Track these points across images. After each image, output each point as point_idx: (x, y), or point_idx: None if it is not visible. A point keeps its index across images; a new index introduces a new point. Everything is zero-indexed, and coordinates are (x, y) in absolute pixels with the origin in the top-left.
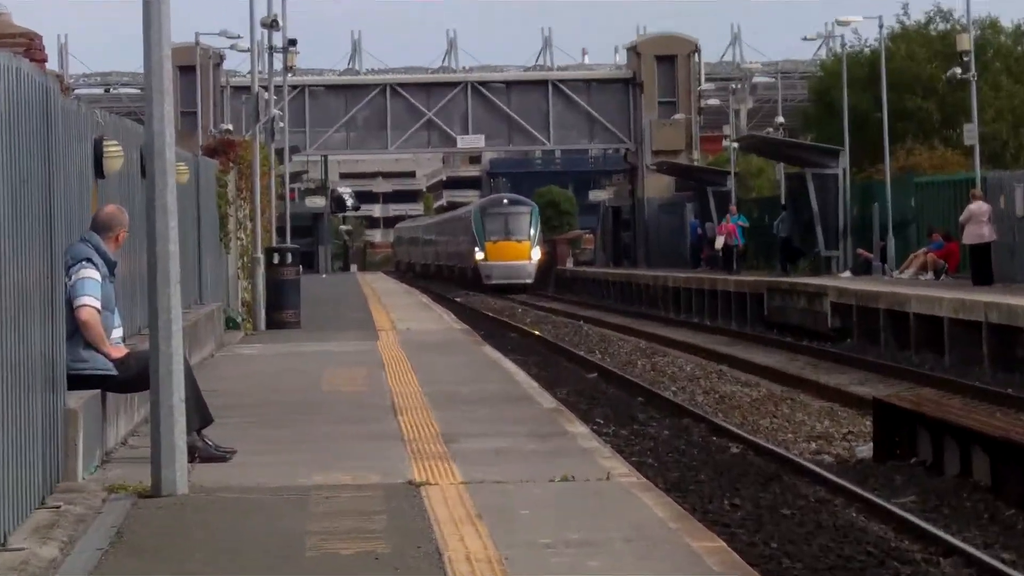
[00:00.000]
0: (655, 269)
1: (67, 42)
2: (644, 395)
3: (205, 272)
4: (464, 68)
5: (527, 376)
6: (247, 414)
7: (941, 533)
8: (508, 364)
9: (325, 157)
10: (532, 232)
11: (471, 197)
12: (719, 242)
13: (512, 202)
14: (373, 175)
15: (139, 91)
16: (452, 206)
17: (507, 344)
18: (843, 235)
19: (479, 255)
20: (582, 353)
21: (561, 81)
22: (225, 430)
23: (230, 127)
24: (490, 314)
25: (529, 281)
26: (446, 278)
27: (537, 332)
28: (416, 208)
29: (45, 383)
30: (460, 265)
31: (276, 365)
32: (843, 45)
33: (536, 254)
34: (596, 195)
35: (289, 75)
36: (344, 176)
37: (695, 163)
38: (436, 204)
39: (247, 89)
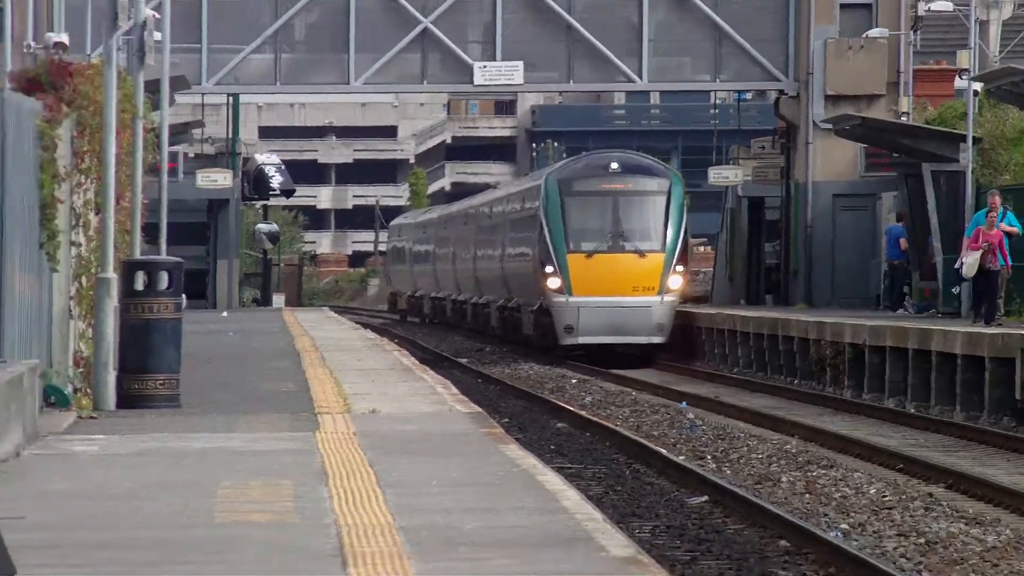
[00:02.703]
0: (822, 312)
1: None
2: (791, 537)
3: (7, 304)
4: None
5: (581, 498)
6: (75, 570)
7: None
8: (549, 477)
9: (235, 98)
10: (670, 233)
11: (496, 175)
12: (968, 264)
13: (629, 167)
14: (320, 132)
15: None
16: (459, 192)
17: (548, 442)
18: None
19: (552, 283)
20: (682, 460)
21: None
22: None
23: (64, 39)
24: (519, 386)
25: (658, 340)
26: (488, 329)
27: (604, 421)
28: (395, 193)
29: None
30: (513, 303)
31: (133, 476)
32: None
33: (676, 282)
34: (720, 176)
35: None
36: (269, 133)
37: (904, 119)
38: (432, 187)
39: None
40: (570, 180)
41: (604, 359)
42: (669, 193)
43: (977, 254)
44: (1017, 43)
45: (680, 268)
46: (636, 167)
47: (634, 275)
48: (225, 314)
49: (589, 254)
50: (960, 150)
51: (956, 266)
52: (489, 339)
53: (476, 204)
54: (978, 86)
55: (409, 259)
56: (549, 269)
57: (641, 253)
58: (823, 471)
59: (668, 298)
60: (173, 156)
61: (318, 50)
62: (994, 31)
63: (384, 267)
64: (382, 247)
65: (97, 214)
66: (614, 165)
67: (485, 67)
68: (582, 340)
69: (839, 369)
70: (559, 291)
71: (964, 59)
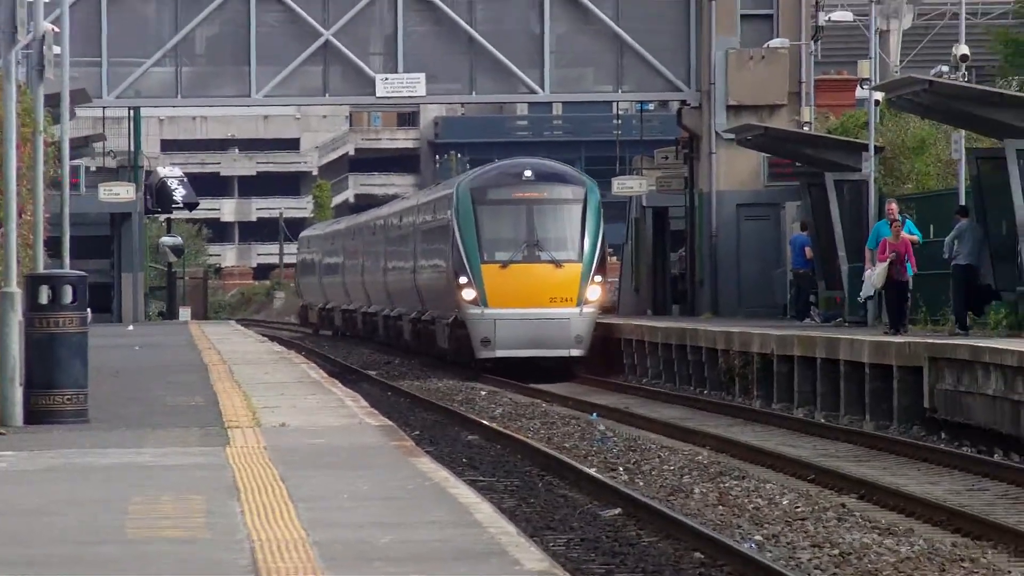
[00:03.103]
0: (729, 322)
1: None
2: (705, 549)
3: None
4: None
5: (494, 511)
6: None
7: None
8: (462, 490)
9: (136, 111)
10: (587, 243)
11: (399, 186)
12: (875, 275)
13: (543, 175)
14: (223, 145)
15: None
16: (364, 204)
17: (460, 454)
18: None
19: (467, 294)
20: (594, 472)
21: None
22: None
23: None
24: (429, 399)
25: (577, 352)
26: (400, 342)
27: (515, 434)
28: (298, 205)
29: None
30: (427, 316)
31: (42, 492)
32: None
33: (595, 293)
34: (624, 186)
35: None
36: (171, 146)
37: (806, 128)
38: (337, 198)
39: None
40: (483, 188)
41: (522, 373)
42: (585, 201)
43: (884, 265)
44: (917, 53)
45: (598, 279)
46: (550, 175)
47: (551, 286)
48: (131, 328)
49: (504, 264)
50: (863, 159)
51: (863, 277)
52: (401, 352)
53: (385, 214)
54: (879, 96)
55: (319, 271)
56: (463, 280)
57: (558, 263)
58: (735, 482)
59: (587, 309)
60: (75, 170)
61: (219, 63)
62: (894, 41)
63: (294, 279)
64: (287, 259)
65: None
66: (528, 173)
67: (387, 79)
68: (500, 353)
69: (748, 379)
70: (474, 303)
71: (865, 69)
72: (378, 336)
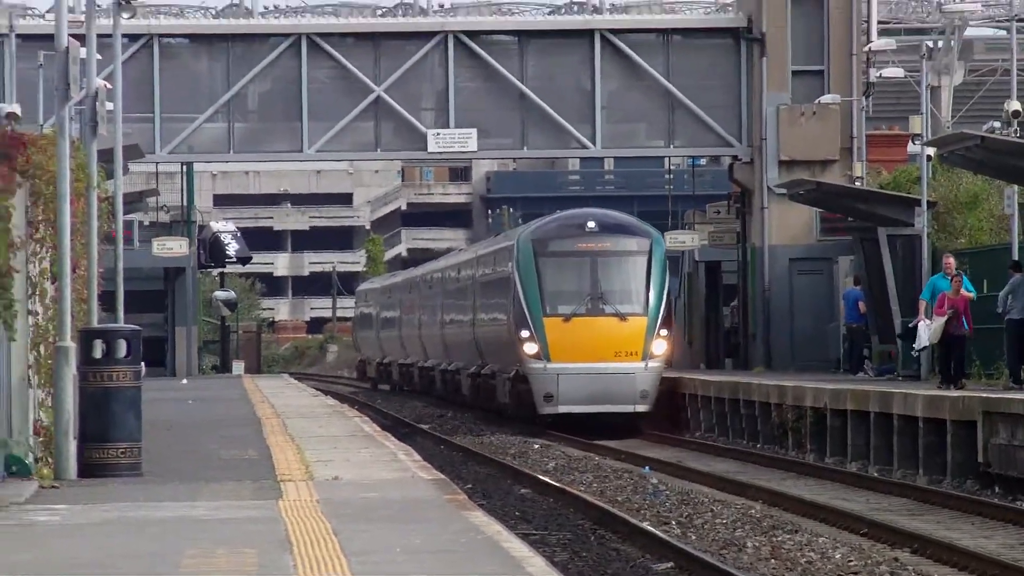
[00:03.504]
0: (782, 375)
1: None
2: None
3: None
4: (442, 6)
5: (546, 565)
6: None
7: None
8: (514, 543)
9: (189, 166)
10: (652, 295)
11: (451, 240)
12: (931, 330)
13: (607, 226)
14: (275, 200)
15: None
16: (416, 258)
17: (512, 508)
18: None
19: (529, 348)
20: (647, 525)
21: (616, 32)
22: None
23: (16, 109)
24: (482, 452)
25: (643, 408)
26: (458, 397)
27: (567, 487)
28: (351, 259)
29: None
30: (487, 370)
31: (97, 546)
32: None
33: (661, 347)
34: (677, 240)
35: (127, 16)
36: (224, 201)
37: (858, 183)
38: (389, 253)
39: (48, 39)
40: (545, 240)
41: (586, 429)
42: (650, 253)
43: (942, 320)
44: (969, 108)
45: (664, 332)
46: (615, 226)
47: (616, 340)
48: (185, 381)
49: (567, 318)
50: (915, 214)
51: (911, 325)
52: (459, 407)
53: (443, 267)
54: (931, 151)
55: (376, 325)
56: (525, 334)
57: (622, 316)
58: (788, 536)
59: (653, 364)
60: (128, 224)
61: (271, 119)
62: (946, 97)
63: (351, 333)
64: (340, 312)
65: (53, 283)
66: (591, 224)
67: (439, 134)
68: (563, 409)
69: (801, 433)
70: (536, 357)
71: (916, 124)
72: (435, 390)
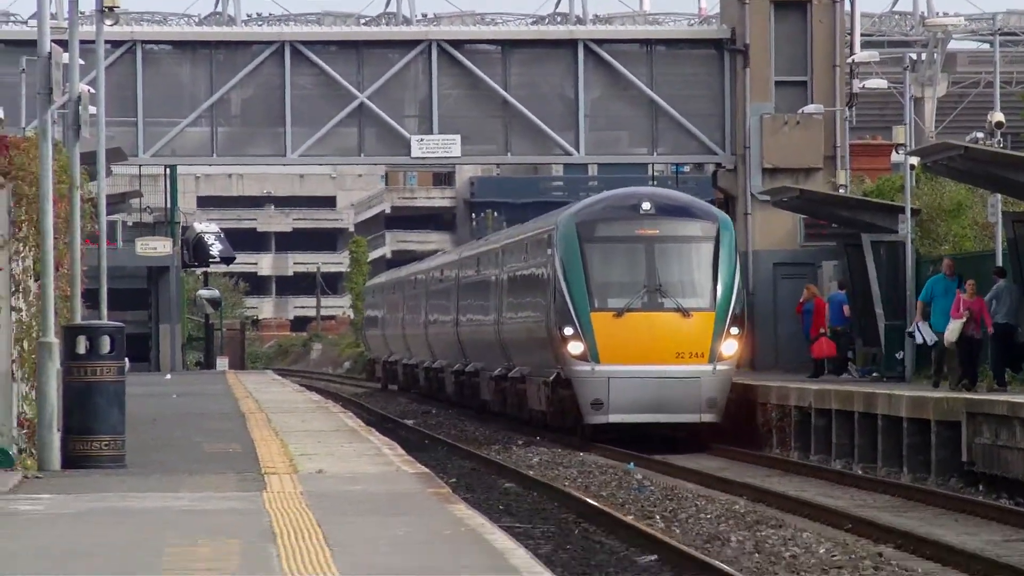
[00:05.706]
0: (767, 375)
1: None
2: None
3: None
4: (425, 16)
5: (529, 556)
6: None
7: None
8: (498, 536)
9: (172, 169)
10: (720, 288)
11: (437, 243)
12: (950, 330)
13: (665, 208)
14: (259, 202)
15: None
16: (401, 259)
17: (496, 501)
18: None
19: (573, 348)
20: (631, 520)
21: (600, 42)
22: None
23: None
24: (465, 446)
25: (709, 418)
26: (476, 402)
27: (551, 482)
28: (335, 259)
29: None
30: (515, 373)
31: (79, 535)
32: None
33: (731, 348)
34: None
35: (109, 23)
36: (207, 203)
37: (842, 191)
38: (373, 254)
39: (31, 45)
40: (591, 223)
41: (641, 442)
42: (717, 238)
43: (960, 322)
44: (952, 120)
45: (735, 331)
46: (674, 207)
47: (678, 339)
48: (168, 376)
49: (619, 313)
50: (899, 221)
51: (909, 331)
52: (478, 412)
53: (457, 259)
54: (914, 160)
55: (383, 323)
56: (569, 331)
57: (686, 312)
58: (772, 531)
59: (722, 367)
60: (112, 225)
61: (254, 123)
62: (929, 108)
63: (363, 333)
64: (324, 312)
65: (37, 280)
66: (646, 205)
67: (422, 140)
68: (613, 419)
69: (784, 431)
70: (582, 358)
71: (900, 134)
72: (444, 394)
